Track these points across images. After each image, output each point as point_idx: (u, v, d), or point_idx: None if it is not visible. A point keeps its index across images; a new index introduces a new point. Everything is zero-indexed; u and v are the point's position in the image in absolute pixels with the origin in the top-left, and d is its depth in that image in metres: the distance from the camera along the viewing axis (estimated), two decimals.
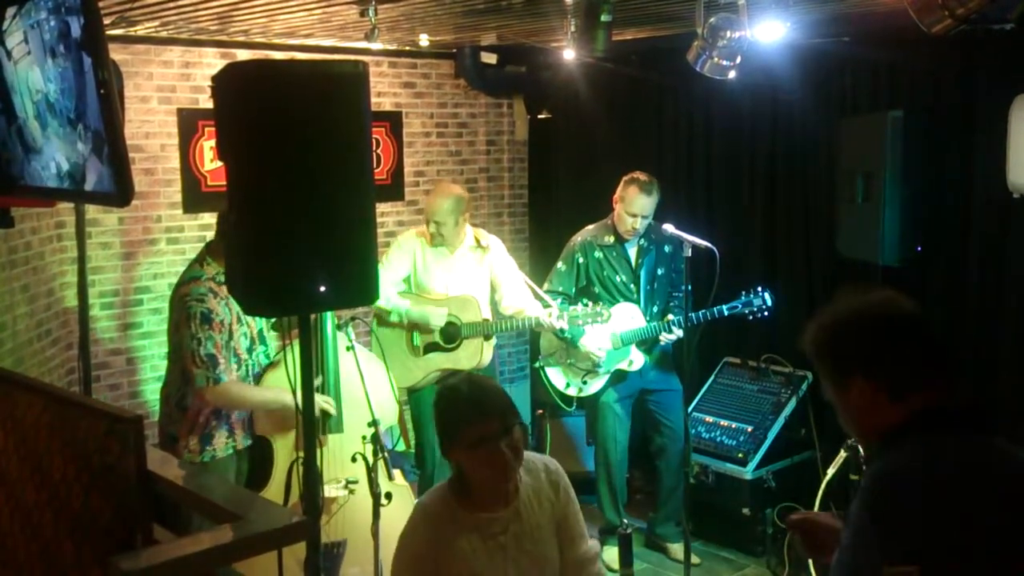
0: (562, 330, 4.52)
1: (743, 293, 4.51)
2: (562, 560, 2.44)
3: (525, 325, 4.63)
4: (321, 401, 3.61)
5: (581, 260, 4.73)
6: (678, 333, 4.52)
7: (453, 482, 2.41)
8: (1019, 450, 1.74)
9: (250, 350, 3.55)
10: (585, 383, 4.75)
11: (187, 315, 3.33)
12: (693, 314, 4.35)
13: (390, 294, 4.46)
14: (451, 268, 4.54)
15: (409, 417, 4.71)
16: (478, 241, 4.58)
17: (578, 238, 4.79)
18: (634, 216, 4.57)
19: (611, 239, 4.70)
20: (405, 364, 4.49)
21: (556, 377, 4.80)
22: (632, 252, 4.72)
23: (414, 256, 4.53)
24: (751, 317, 4.52)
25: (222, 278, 3.39)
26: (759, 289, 4.51)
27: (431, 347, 4.49)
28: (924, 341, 1.78)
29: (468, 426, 2.29)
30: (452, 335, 4.50)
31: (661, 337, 4.59)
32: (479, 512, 2.35)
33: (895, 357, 1.75)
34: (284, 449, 3.73)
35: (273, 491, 3.67)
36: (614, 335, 4.62)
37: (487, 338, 4.54)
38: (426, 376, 4.50)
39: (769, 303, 4.47)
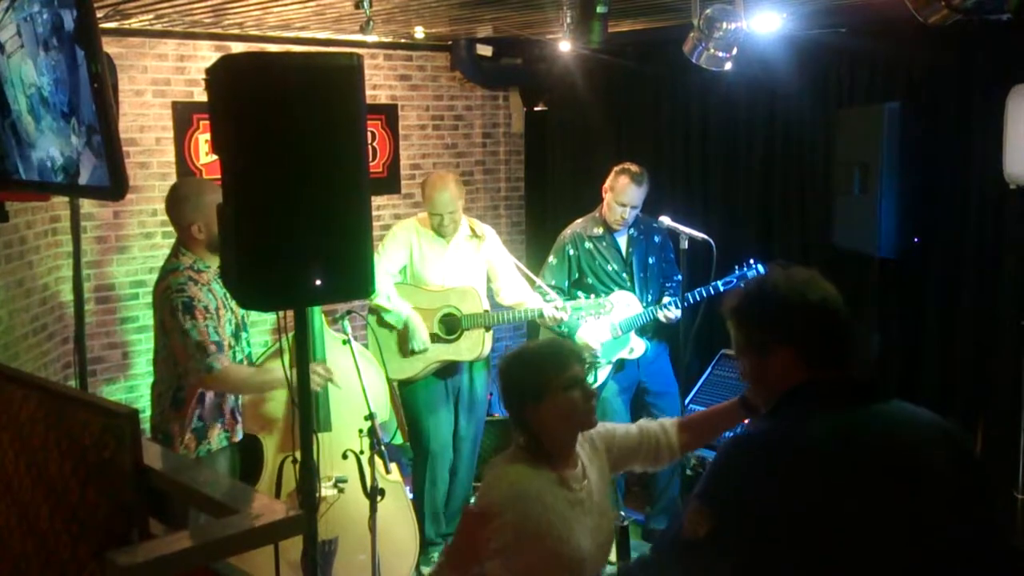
0: (561, 322, 4.52)
1: (736, 267, 4.50)
2: (638, 445, 2.61)
3: (527, 317, 4.62)
4: (323, 373, 3.58)
5: (572, 252, 4.73)
6: (676, 312, 4.51)
7: (523, 449, 2.45)
8: (917, 415, 1.88)
9: (236, 335, 3.53)
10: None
11: (171, 308, 3.30)
12: (690, 293, 4.35)
13: (390, 291, 4.43)
14: (448, 258, 4.52)
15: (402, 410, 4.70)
16: (473, 230, 4.56)
17: (567, 231, 4.80)
18: (623, 206, 4.58)
19: (600, 230, 4.71)
20: (401, 356, 4.48)
21: None
22: (622, 241, 4.74)
23: (410, 246, 4.51)
24: None
25: (200, 265, 3.38)
26: (752, 262, 4.49)
27: (431, 338, 4.48)
28: (843, 322, 1.91)
29: (563, 370, 2.39)
30: (452, 326, 4.49)
31: (660, 314, 4.57)
32: (558, 470, 2.43)
33: (818, 330, 1.88)
34: (273, 447, 3.73)
35: (263, 489, 3.67)
36: (612, 324, 4.62)
37: (487, 329, 4.53)
38: (426, 368, 4.49)
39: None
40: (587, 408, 2.41)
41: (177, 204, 3.39)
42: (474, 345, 4.49)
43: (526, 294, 4.61)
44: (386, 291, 4.39)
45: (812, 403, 1.83)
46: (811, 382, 1.84)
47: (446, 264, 4.52)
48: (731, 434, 1.96)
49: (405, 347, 4.44)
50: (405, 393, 4.59)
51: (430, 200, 4.45)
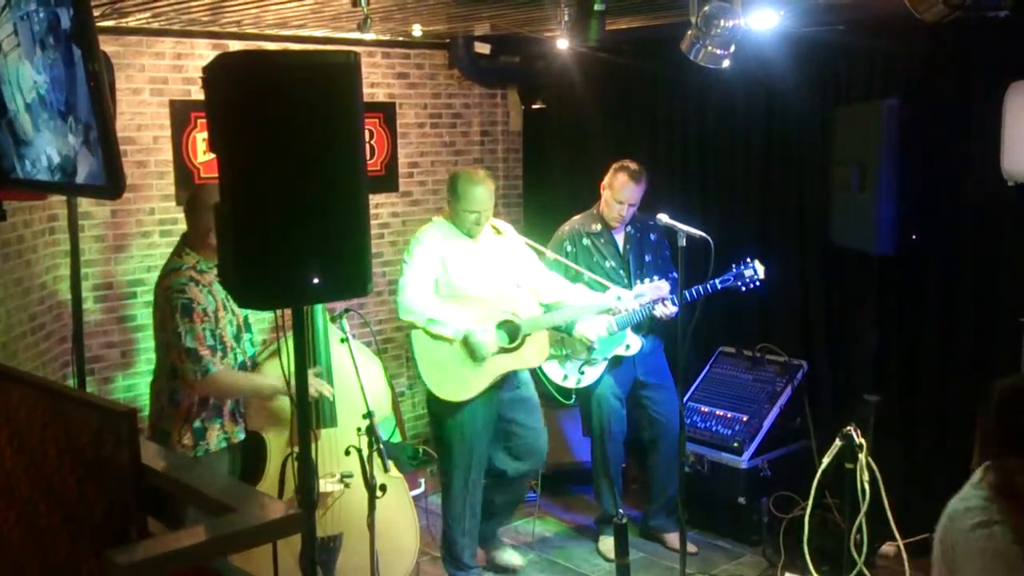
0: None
1: (733, 266, 4.48)
2: None
3: (589, 312, 4.43)
4: (316, 385, 3.59)
5: (570, 248, 4.71)
6: (673, 309, 4.49)
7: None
8: None
9: (236, 337, 3.52)
10: (582, 372, 4.73)
11: (171, 309, 3.30)
12: (688, 291, 4.34)
13: (433, 305, 4.06)
14: (479, 259, 4.21)
15: (406, 412, 4.66)
16: (495, 227, 4.34)
17: (566, 227, 4.79)
18: (621, 203, 4.58)
19: (598, 227, 4.71)
20: (461, 374, 4.08)
21: (553, 370, 4.77)
22: (620, 239, 4.73)
23: (440, 253, 4.13)
24: (744, 289, 4.49)
25: (203, 266, 3.37)
26: (748, 260, 4.48)
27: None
28: None
29: None
30: (513, 333, 4.19)
31: (656, 309, 4.52)
32: None
33: None
34: (277, 445, 3.72)
35: (267, 487, 3.66)
36: (608, 321, 4.60)
37: (550, 330, 4.31)
38: (492, 382, 4.14)
39: (760, 273, 4.45)
40: None
41: (198, 210, 3.37)
42: (540, 349, 4.26)
43: (567, 288, 4.44)
44: (427, 306, 4.06)
45: None
46: None
47: (478, 266, 4.20)
48: None
49: (466, 363, 4.10)
50: (463, 413, 4.19)
51: (465, 196, 4.07)
